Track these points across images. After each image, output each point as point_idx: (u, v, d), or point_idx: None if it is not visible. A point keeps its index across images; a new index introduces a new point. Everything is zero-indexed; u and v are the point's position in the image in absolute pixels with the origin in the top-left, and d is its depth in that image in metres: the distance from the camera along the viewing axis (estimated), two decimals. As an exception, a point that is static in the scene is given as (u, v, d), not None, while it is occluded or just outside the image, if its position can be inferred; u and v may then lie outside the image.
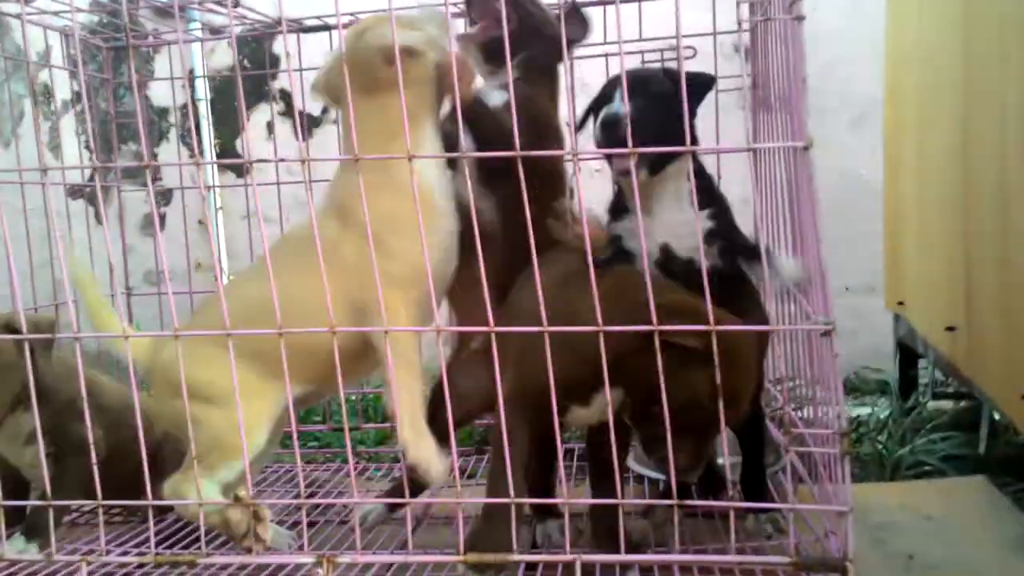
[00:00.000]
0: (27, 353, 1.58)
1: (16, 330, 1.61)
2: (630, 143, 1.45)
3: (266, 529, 1.50)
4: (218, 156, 3.86)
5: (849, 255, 3.36)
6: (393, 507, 1.82)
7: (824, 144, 1.42)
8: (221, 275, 3.20)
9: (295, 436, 1.49)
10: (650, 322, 1.33)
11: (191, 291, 2.40)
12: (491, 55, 1.78)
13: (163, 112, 3.97)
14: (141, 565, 1.55)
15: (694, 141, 1.53)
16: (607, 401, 1.38)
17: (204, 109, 3.74)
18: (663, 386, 1.32)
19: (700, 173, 1.62)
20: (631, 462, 2.09)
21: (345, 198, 1.60)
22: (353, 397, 2.60)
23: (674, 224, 1.60)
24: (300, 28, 2.34)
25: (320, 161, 1.65)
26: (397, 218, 1.54)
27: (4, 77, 3.44)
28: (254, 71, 3.63)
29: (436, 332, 1.43)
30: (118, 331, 1.64)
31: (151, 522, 1.51)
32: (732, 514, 1.39)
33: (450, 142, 1.67)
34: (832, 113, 3.52)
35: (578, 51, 2.02)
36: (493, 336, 1.39)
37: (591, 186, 1.53)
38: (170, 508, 1.97)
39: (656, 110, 1.53)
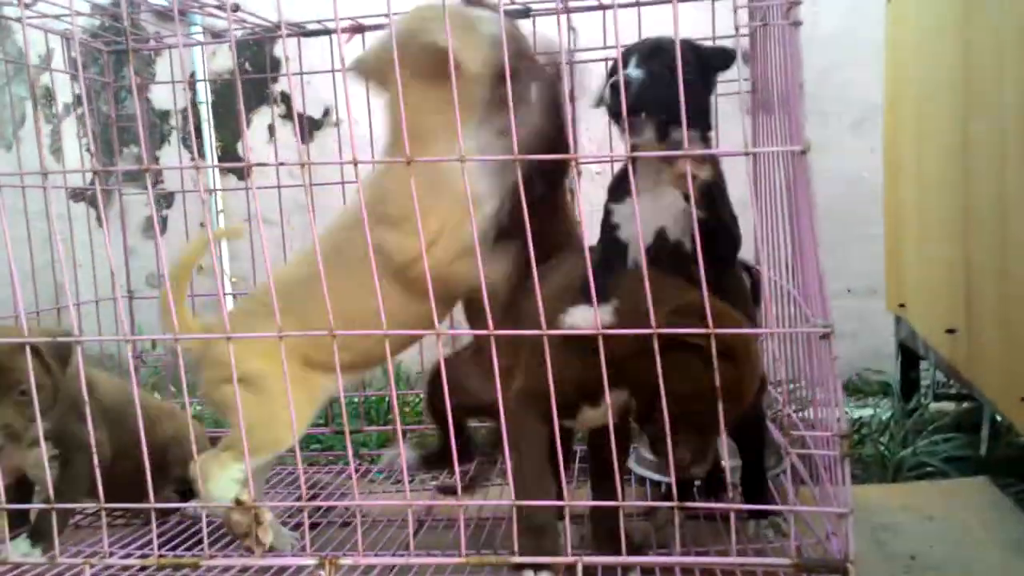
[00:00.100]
0: (28, 358, 1.57)
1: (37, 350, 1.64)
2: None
3: (266, 532, 1.51)
4: (220, 159, 3.87)
5: (851, 257, 3.36)
6: (427, 460, 1.88)
7: (826, 147, 1.43)
8: (222, 277, 3.20)
9: (296, 439, 1.49)
10: (661, 324, 1.33)
11: (192, 294, 2.40)
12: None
13: (164, 115, 3.97)
14: (144, 567, 1.54)
15: (706, 115, 1.54)
16: (617, 401, 1.38)
17: (205, 112, 3.75)
18: (672, 387, 1.32)
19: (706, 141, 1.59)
20: (632, 464, 2.10)
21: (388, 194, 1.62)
22: (355, 399, 2.61)
23: (674, 205, 1.55)
24: (300, 32, 2.35)
25: (319, 165, 1.65)
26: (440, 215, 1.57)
27: (5, 80, 3.45)
28: (255, 74, 3.63)
29: (436, 336, 1.44)
30: (197, 331, 1.67)
31: (154, 525, 1.51)
32: (733, 516, 1.39)
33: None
34: (834, 116, 3.53)
35: (577, 56, 2.02)
36: (492, 339, 1.39)
37: (589, 190, 1.53)
38: (173, 511, 1.99)
39: (670, 78, 1.43)
